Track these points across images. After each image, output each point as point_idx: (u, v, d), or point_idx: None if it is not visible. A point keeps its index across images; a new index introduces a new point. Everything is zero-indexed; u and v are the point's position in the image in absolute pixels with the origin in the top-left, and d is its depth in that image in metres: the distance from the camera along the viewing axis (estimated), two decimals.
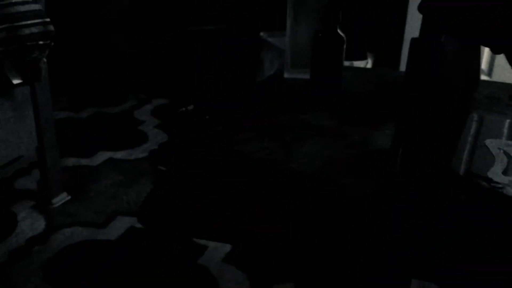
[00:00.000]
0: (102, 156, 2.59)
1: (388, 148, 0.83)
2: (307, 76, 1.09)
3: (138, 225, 2.06)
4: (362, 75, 1.24)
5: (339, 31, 1.06)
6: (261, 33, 2.91)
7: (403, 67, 2.46)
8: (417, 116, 0.86)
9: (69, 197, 2.21)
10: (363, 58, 2.85)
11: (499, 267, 0.66)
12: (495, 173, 0.81)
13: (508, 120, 1.09)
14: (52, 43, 1.83)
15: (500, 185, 0.77)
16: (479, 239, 0.70)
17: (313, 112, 0.96)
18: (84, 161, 2.54)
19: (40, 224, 2.05)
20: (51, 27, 1.80)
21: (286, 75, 1.20)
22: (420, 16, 2.24)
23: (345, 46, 1.07)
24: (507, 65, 1.27)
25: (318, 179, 0.77)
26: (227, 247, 1.94)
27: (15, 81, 1.86)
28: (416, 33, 2.42)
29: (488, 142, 0.90)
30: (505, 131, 0.96)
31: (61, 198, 2.19)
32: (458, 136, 0.92)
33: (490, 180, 0.80)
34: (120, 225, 2.06)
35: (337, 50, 1.04)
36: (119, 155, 2.61)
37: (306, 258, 1.66)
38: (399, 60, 2.48)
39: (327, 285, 1.29)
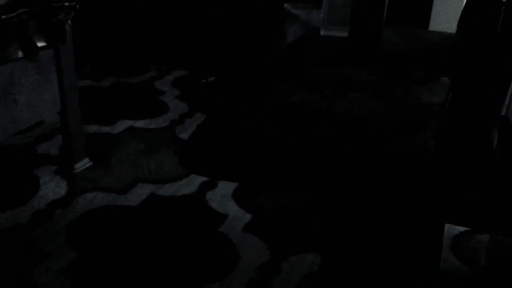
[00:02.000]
0: (123, 125, 2.59)
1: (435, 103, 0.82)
2: (345, 34, 1.06)
3: (160, 192, 2.07)
4: (403, 33, 1.21)
5: None
6: (285, 4, 2.86)
7: (433, 25, 2.34)
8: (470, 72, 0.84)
9: (91, 163, 2.22)
10: None
11: None
12: None
13: None
14: (78, 5, 1.82)
15: None
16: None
17: (352, 67, 0.94)
18: (105, 129, 2.54)
19: (62, 188, 2.06)
20: None
21: (322, 33, 1.17)
22: None
23: (387, 0, 1.04)
24: None
25: (362, 129, 0.76)
26: (248, 216, 1.94)
27: (40, 44, 1.85)
28: None
29: None
30: None
31: (83, 164, 2.19)
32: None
33: None
34: (141, 192, 2.07)
35: (379, 4, 1.01)
36: (140, 124, 2.61)
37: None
38: (429, 17, 2.36)
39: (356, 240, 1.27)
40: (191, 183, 2.12)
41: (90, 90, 2.96)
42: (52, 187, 2.06)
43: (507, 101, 1.01)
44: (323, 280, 1.47)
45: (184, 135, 2.52)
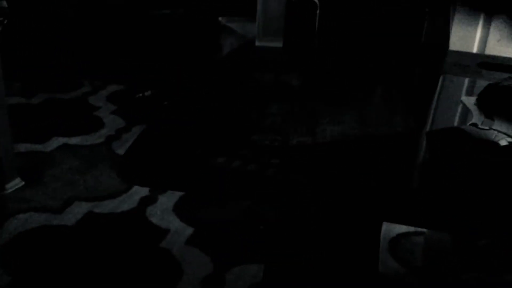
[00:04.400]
0: (56, 142, 2.51)
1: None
2: (279, 44, 1.09)
3: (98, 210, 2.01)
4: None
5: None
6: (220, 18, 2.88)
7: None
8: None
9: (23, 182, 2.13)
10: None
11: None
12: (477, 121, 0.84)
13: (480, 81, 1.14)
14: (5, 21, 1.75)
15: (486, 128, 0.81)
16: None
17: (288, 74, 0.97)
18: (37, 147, 2.45)
19: None
20: (4, 3, 1.73)
21: (257, 44, 1.19)
22: None
23: (318, 12, 1.07)
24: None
25: None
26: (190, 230, 1.92)
27: None
28: None
29: (464, 98, 0.94)
30: (477, 90, 1.01)
31: (15, 184, 2.10)
32: (433, 94, 0.95)
33: (475, 125, 0.83)
34: (77, 211, 2.00)
35: (311, 15, 1.04)
36: (75, 140, 2.53)
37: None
38: None
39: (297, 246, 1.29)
40: (131, 199, 2.08)
41: (20, 108, 2.85)
42: None
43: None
44: None
45: (121, 150, 2.47)
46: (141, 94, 3.02)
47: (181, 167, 0.68)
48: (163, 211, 2.02)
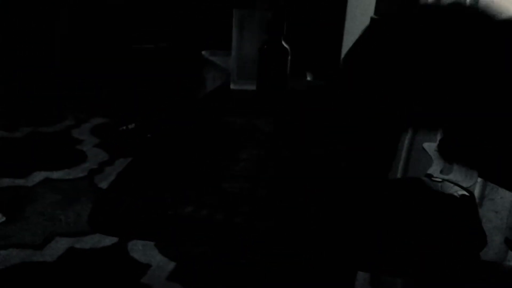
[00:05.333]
0: (38, 176, 2.50)
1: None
2: (253, 86, 1.11)
3: (79, 245, 2.00)
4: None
5: (283, 43, 1.10)
6: (203, 52, 2.92)
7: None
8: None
9: (4, 218, 2.12)
10: (303, 76, 2.93)
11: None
12: (435, 171, 0.85)
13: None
14: None
15: (439, 180, 0.82)
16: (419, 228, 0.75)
17: (260, 118, 0.99)
18: (19, 182, 2.44)
19: None
20: None
21: (232, 87, 1.22)
22: (356, 34, 2.35)
23: (289, 58, 1.10)
24: None
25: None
26: (172, 265, 1.92)
27: None
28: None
29: (425, 145, 0.95)
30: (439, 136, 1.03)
31: None
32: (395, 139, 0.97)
33: (430, 176, 0.84)
34: (58, 246, 1.99)
35: (282, 61, 1.07)
36: (57, 175, 2.53)
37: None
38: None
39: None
40: None
41: (3, 141, 2.84)
42: None
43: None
44: None
45: (104, 184, 2.47)
46: (124, 127, 3.03)
47: (150, 216, 0.69)
48: (145, 245, 2.02)
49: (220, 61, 2.75)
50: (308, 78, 2.94)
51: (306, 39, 2.89)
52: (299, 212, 0.73)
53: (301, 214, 0.73)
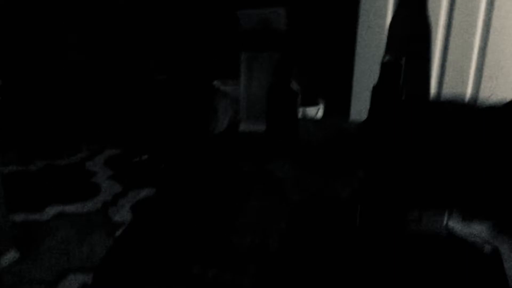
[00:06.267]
0: (52, 211, 2.50)
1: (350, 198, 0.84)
2: (262, 127, 1.10)
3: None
4: (319, 126, 1.27)
5: (292, 85, 1.09)
6: (214, 82, 2.94)
7: (353, 113, 2.54)
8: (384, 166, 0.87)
9: (18, 254, 2.11)
10: (315, 104, 2.92)
11: None
12: (455, 221, 0.82)
13: None
14: (0, 97, 1.79)
15: (460, 236, 0.77)
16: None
17: (273, 163, 0.97)
18: (33, 216, 2.45)
19: None
20: None
21: (241, 128, 1.21)
22: (367, 64, 2.33)
23: (299, 99, 1.09)
24: None
25: None
26: None
27: None
28: (363, 80, 2.52)
29: None
30: None
31: (11, 257, 2.08)
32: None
33: (451, 229, 0.79)
34: (72, 283, 1.98)
35: (291, 104, 1.06)
36: (70, 208, 2.53)
37: None
38: (349, 106, 2.56)
39: None
40: None
41: (16, 176, 2.86)
42: None
43: None
44: None
45: (118, 217, 2.46)
46: (138, 158, 3.04)
47: (158, 276, 0.67)
48: None
49: (231, 91, 2.75)
50: (321, 105, 2.94)
51: (317, 67, 2.89)
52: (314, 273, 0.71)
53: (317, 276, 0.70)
